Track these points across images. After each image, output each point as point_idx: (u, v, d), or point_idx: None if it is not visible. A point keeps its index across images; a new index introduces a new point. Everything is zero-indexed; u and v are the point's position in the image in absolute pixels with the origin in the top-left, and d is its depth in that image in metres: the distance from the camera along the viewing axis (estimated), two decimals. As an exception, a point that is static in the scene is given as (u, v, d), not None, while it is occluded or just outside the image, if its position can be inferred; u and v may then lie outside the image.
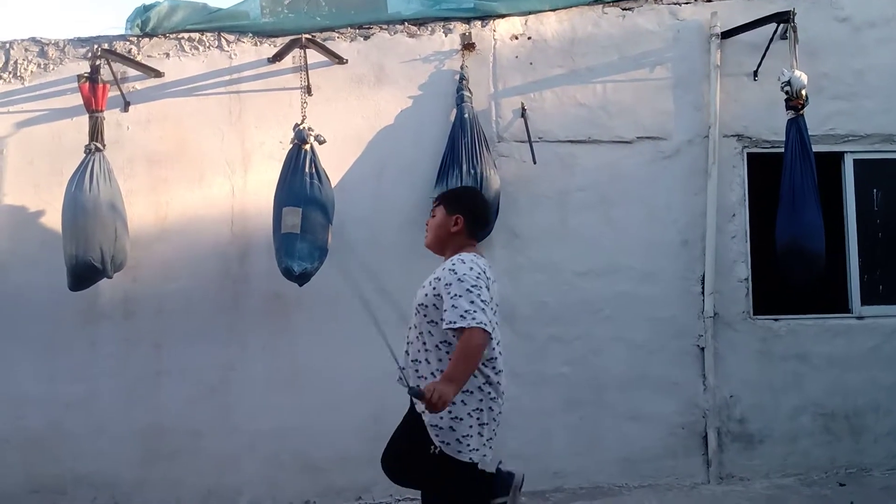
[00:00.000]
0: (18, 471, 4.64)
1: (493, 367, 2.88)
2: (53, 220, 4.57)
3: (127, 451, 4.66)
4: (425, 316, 2.89)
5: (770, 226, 4.77)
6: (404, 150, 4.89)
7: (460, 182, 4.58)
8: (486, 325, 2.67)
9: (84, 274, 4.29)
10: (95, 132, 4.41)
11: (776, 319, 5.09)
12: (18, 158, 4.77)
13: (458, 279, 2.76)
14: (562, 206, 4.98)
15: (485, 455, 2.89)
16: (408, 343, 3.01)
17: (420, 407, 2.81)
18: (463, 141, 4.65)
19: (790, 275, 4.64)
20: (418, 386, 2.68)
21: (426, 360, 2.89)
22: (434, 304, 2.85)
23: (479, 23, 5.02)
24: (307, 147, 4.36)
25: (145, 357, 4.72)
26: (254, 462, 4.71)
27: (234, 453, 4.71)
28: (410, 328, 3.00)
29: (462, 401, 2.79)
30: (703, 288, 4.98)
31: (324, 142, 4.46)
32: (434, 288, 2.87)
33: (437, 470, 2.87)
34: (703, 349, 4.96)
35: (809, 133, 4.63)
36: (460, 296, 2.71)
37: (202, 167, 4.84)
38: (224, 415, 4.72)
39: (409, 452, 2.98)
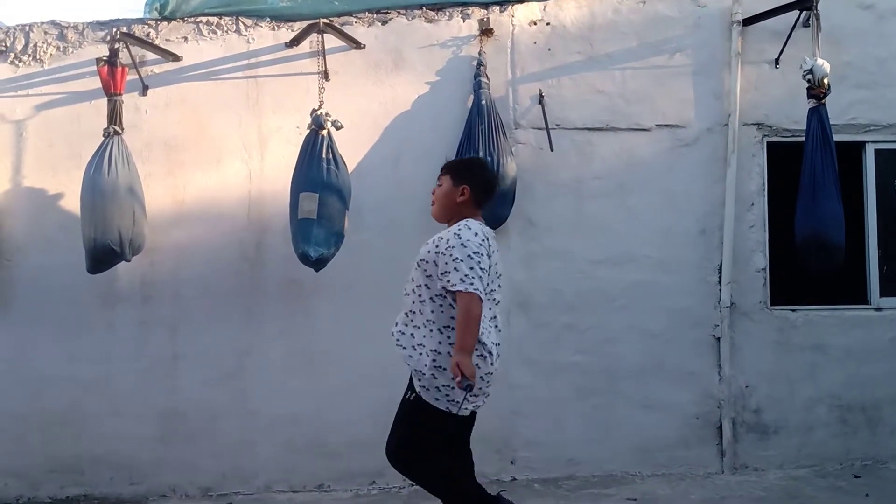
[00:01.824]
0: (38, 451, 4.70)
1: (484, 327, 2.99)
2: (72, 203, 4.60)
3: (144, 433, 4.71)
4: (425, 271, 3.05)
5: (789, 216, 4.73)
6: (421, 136, 4.88)
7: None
8: (480, 291, 2.86)
9: (102, 257, 4.32)
10: (114, 116, 4.43)
11: (794, 310, 5.06)
12: (38, 141, 4.80)
13: (462, 244, 2.92)
14: (578, 193, 4.95)
15: (466, 408, 3.02)
16: (405, 294, 3.16)
17: (406, 353, 3.04)
18: (480, 127, 4.63)
19: (809, 265, 4.61)
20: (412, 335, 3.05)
21: (420, 310, 3.06)
22: (434, 262, 3.00)
23: (497, 8, 4.98)
24: (324, 132, 4.36)
25: (162, 340, 4.75)
26: (269, 445, 4.75)
27: (250, 437, 4.74)
28: (410, 280, 3.15)
29: (448, 352, 2.94)
30: (720, 277, 4.95)
31: (341, 127, 4.45)
32: (437, 246, 3.02)
33: (410, 415, 3.06)
34: (719, 339, 4.93)
35: (831, 122, 4.58)
36: (462, 260, 2.88)
37: (219, 152, 4.85)
38: (240, 398, 4.75)
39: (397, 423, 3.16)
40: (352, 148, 4.68)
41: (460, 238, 2.94)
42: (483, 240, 2.98)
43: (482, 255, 2.92)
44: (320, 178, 4.27)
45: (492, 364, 3.05)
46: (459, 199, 3.13)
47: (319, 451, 4.75)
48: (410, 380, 3.12)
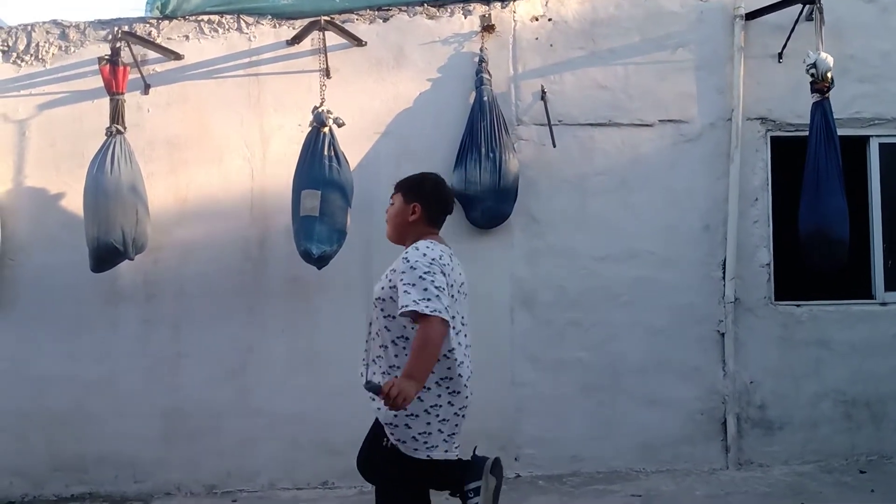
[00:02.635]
0: (41, 449, 4.71)
1: (455, 358, 2.77)
2: (75, 202, 4.61)
3: (148, 431, 4.72)
4: (382, 310, 2.81)
5: (793, 211, 4.71)
6: (423, 133, 4.87)
7: (479, 166, 4.57)
8: (441, 312, 2.58)
9: (105, 256, 4.33)
10: (116, 115, 4.44)
11: (798, 305, 5.04)
12: (40, 140, 4.80)
13: (411, 266, 2.67)
14: (581, 190, 4.94)
15: (446, 451, 2.81)
16: (368, 339, 2.92)
17: (375, 405, 2.75)
18: (482, 124, 4.63)
19: (813, 260, 4.59)
20: (379, 382, 2.61)
21: (383, 355, 2.81)
22: (391, 297, 2.75)
23: (498, 4, 4.97)
24: (326, 130, 4.36)
25: (166, 338, 4.76)
26: (273, 443, 4.75)
27: (253, 434, 4.75)
28: (370, 323, 2.91)
29: (419, 397, 2.65)
30: (724, 273, 4.93)
31: (342, 124, 4.45)
32: (390, 280, 2.78)
33: (389, 463, 2.81)
34: (723, 335, 4.92)
35: (834, 116, 4.57)
36: (413, 284, 2.63)
37: (222, 150, 4.85)
38: (243, 396, 4.76)
39: (370, 447, 2.95)
40: (354, 145, 4.68)
41: (408, 261, 2.69)
42: (433, 259, 2.71)
43: (435, 272, 2.66)
44: (322, 176, 4.27)
45: (465, 398, 2.85)
46: (411, 217, 2.90)
47: (323, 449, 4.75)
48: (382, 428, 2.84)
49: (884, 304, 5.10)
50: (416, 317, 2.61)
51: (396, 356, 2.77)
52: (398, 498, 2.86)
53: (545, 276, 4.90)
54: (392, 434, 2.76)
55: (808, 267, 4.66)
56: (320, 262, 4.29)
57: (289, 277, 4.75)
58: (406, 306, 2.59)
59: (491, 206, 4.68)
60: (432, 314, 2.56)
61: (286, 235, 4.52)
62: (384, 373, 2.79)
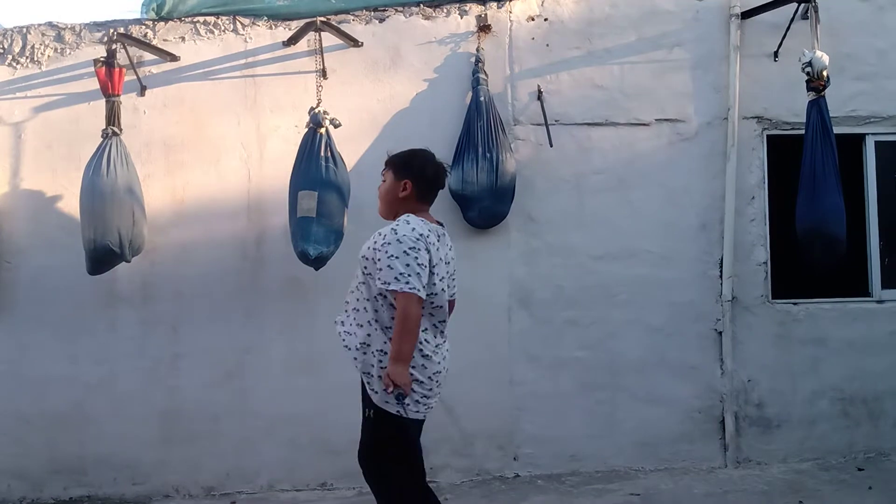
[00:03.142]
0: (40, 452, 4.70)
1: (423, 329, 2.89)
2: (71, 204, 4.60)
3: (146, 433, 4.71)
4: (365, 268, 2.92)
5: (790, 209, 4.71)
6: (420, 133, 4.85)
7: (476, 166, 4.58)
8: (418, 290, 2.73)
9: (102, 258, 4.32)
10: (112, 116, 4.42)
11: (795, 303, 5.05)
12: (36, 143, 4.79)
13: (398, 239, 2.78)
14: (578, 189, 4.95)
15: (417, 411, 2.91)
16: (349, 292, 3.05)
17: (353, 350, 2.93)
18: (479, 124, 4.63)
19: (810, 258, 4.59)
20: (358, 344, 2.90)
21: (364, 308, 2.94)
22: (373, 259, 2.87)
23: (494, 4, 4.97)
24: (322, 131, 4.36)
25: (164, 340, 4.75)
26: (271, 445, 4.75)
27: (252, 436, 4.74)
28: (354, 277, 3.04)
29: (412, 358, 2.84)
30: (721, 271, 4.94)
31: (339, 125, 4.45)
32: (375, 242, 2.89)
33: (374, 430, 2.95)
34: (720, 333, 4.93)
35: (830, 115, 4.56)
36: (397, 257, 2.75)
37: (218, 151, 4.84)
38: (242, 398, 4.75)
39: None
40: (350, 146, 4.67)
41: (396, 233, 2.79)
42: (420, 235, 2.81)
43: (419, 249, 2.76)
44: (319, 177, 4.26)
45: (437, 363, 2.95)
46: (402, 194, 2.98)
47: (322, 450, 4.75)
48: (364, 391, 2.99)
49: (881, 301, 5.11)
50: (394, 293, 2.76)
51: (376, 311, 2.90)
52: (385, 460, 2.96)
53: (543, 275, 4.90)
54: (369, 384, 2.91)
55: (805, 265, 4.67)
56: (318, 262, 4.29)
57: (286, 278, 4.75)
58: (387, 283, 2.76)
59: (488, 206, 4.68)
60: (410, 291, 2.72)
61: (283, 236, 4.52)
62: (360, 325, 2.94)
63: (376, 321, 2.89)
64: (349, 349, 2.96)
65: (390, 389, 2.74)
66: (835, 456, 4.96)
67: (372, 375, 2.88)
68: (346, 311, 3.05)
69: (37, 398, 4.70)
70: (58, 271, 4.68)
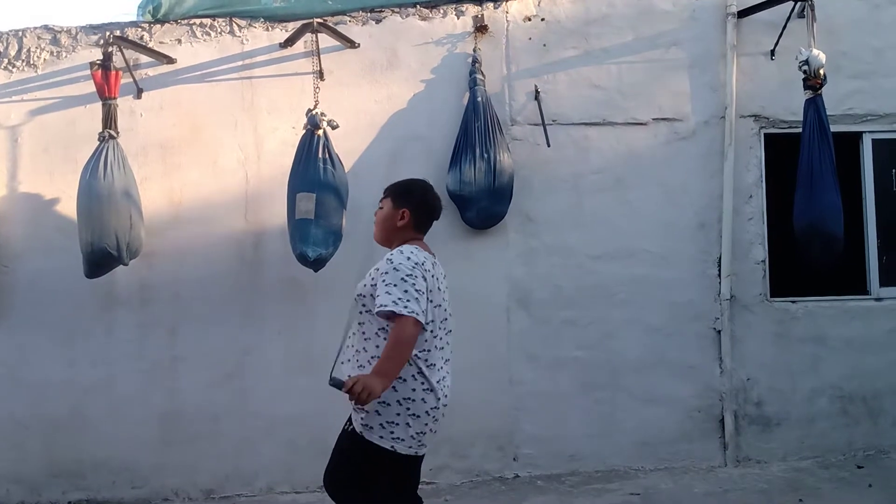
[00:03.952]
0: (39, 455, 4.69)
1: (426, 361, 2.82)
2: (68, 207, 4.59)
3: (145, 436, 4.70)
4: (363, 305, 2.88)
5: (787, 207, 4.72)
6: (418, 134, 4.87)
7: (474, 166, 4.58)
8: (418, 314, 2.67)
9: (100, 261, 4.31)
10: (109, 119, 4.42)
11: (793, 302, 5.05)
12: (33, 146, 4.79)
13: (394, 268, 2.76)
14: (576, 189, 4.95)
15: (410, 447, 2.80)
16: (349, 335, 2.98)
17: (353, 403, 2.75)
18: (476, 125, 4.63)
19: (808, 257, 4.60)
20: (341, 379, 2.67)
21: (364, 348, 2.87)
22: (371, 294, 2.82)
23: (491, 5, 4.98)
24: (320, 132, 4.35)
25: (162, 343, 4.74)
26: (271, 446, 4.74)
27: (251, 438, 4.74)
28: (353, 319, 2.96)
29: (393, 387, 2.72)
30: (719, 270, 4.94)
31: (336, 127, 4.44)
32: (373, 279, 2.85)
33: (356, 449, 2.83)
34: (719, 332, 4.93)
35: (827, 113, 4.58)
36: (395, 284, 2.71)
37: (216, 153, 4.84)
38: (240, 399, 4.74)
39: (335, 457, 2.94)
40: (348, 147, 4.67)
41: (392, 263, 2.79)
42: (417, 263, 2.80)
43: (416, 276, 2.75)
44: (317, 178, 4.26)
45: (438, 399, 2.85)
46: (399, 222, 2.99)
47: (321, 451, 4.65)
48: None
49: (879, 299, 5.11)
50: (391, 316, 2.69)
51: (377, 347, 2.81)
52: (352, 479, 2.86)
53: (541, 275, 4.90)
54: (361, 419, 2.79)
55: (804, 263, 4.67)
56: (316, 264, 4.29)
57: (285, 280, 4.74)
58: (384, 305, 2.68)
59: (486, 207, 4.68)
60: (409, 315, 2.65)
61: (281, 238, 4.52)
62: (361, 367, 2.83)
63: (377, 358, 2.78)
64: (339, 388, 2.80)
65: (350, 389, 2.56)
66: (834, 454, 4.96)
67: (367, 411, 2.77)
68: (347, 355, 2.96)
69: (35, 402, 4.69)
70: (55, 274, 4.67)
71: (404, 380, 2.77)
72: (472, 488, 4.65)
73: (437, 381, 2.86)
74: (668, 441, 4.91)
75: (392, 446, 2.77)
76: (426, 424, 2.82)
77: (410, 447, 2.80)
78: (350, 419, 2.90)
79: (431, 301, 2.83)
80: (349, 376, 2.71)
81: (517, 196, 4.78)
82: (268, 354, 4.77)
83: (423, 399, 2.80)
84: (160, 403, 4.72)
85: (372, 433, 2.77)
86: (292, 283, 4.72)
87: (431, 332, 2.84)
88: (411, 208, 3.01)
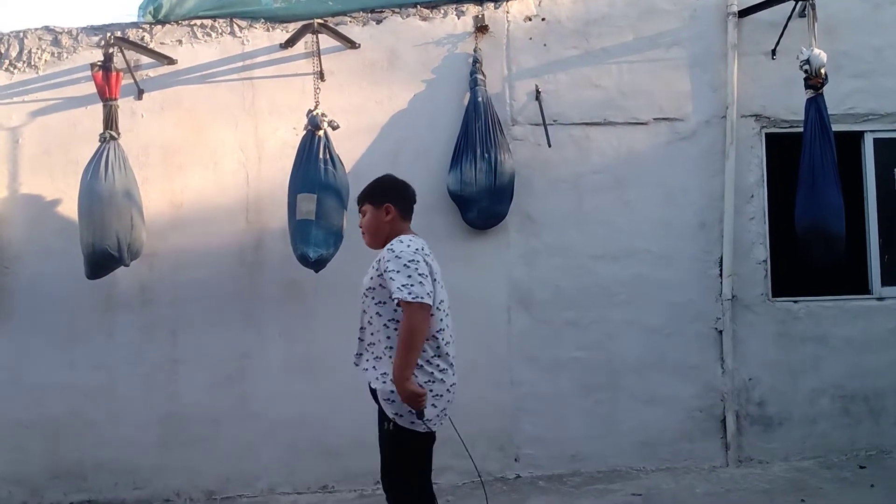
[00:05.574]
0: (40, 457, 4.69)
1: (442, 339, 2.98)
2: (70, 209, 4.59)
3: (146, 438, 4.70)
4: (373, 298, 3.02)
5: (789, 207, 4.72)
6: (418, 134, 4.87)
7: (475, 167, 4.58)
8: (423, 297, 2.80)
9: (101, 262, 4.31)
10: (110, 120, 4.42)
11: (795, 301, 5.05)
12: (34, 147, 4.79)
13: (396, 256, 2.90)
14: (577, 189, 4.94)
15: (435, 425, 3.00)
16: (360, 329, 3.13)
17: (373, 382, 2.99)
18: (477, 125, 4.63)
19: (810, 256, 4.59)
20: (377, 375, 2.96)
21: (378, 340, 3.02)
22: (380, 285, 2.97)
23: (491, 5, 4.97)
24: (321, 133, 4.35)
25: (162, 345, 4.74)
26: (272, 448, 4.74)
27: (252, 439, 4.73)
28: (362, 312, 3.12)
29: (413, 374, 2.87)
30: (720, 270, 4.94)
31: (337, 127, 4.44)
32: (377, 269, 3.00)
33: (394, 443, 3.00)
34: (721, 332, 4.92)
35: (829, 112, 4.57)
36: (398, 271, 2.85)
37: (216, 154, 4.84)
38: (241, 401, 4.74)
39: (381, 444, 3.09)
40: (349, 148, 4.67)
41: (393, 251, 2.92)
42: (416, 249, 2.94)
43: (418, 261, 2.89)
44: (318, 179, 4.26)
45: (453, 375, 3.04)
46: (387, 217, 3.12)
47: (322, 452, 4.74)
48: (380, 409, 3.04)
49: (881, 298, 5.11)
50: (400, 302, 2.83)
51: (389, 338, 2.97)
52: (405, 471, 3.04)
53: (542, 275, 4.89)
54: (391, 409, 2.94)
55: (805, 263, 4.67)
56: (317, 265, 4.28)
57: (285, 281, 4.74)
58: (393, 293, 2.84)
59: (487, 207, 4.68)
60: (414, 300, 2.78)
61: (282, 239, 4.51)
62: (377, 357, 3.01)
63: (393, 348, 2.94)
64: (365, 371, 3.07)
65: (413, 408, 2.82)
66: (836, 454, 4.95)
67: (394, 401, 2.92)
68: (364, 349, 3.13)
69: (36, 404, 4.69)
70: (56, 276, 4.67)
71: (421, 365, 2.92)
72: (474, 489, 4.63)
73: (453, 358, 3.04)
74: (670, 441, 4.90)
75: (426, 428, 2.94)
76: (448, 401, 3.02)
77: (435, 425, 3.00)
78: (381, 418, 3.03)
79: (437, 280, 2.99)
80: (370, 368, 3.00)
81: (518, 196, 4.78)
82: (268, 356, 4.76)
83: (442, 379, 2.98)
84: (161, 405, 4.72)
85: (404, 420, 2.93)
86: (293, 285, 4.72)
87: (439, 309, 2.99)
88: (392, 200, 3.14)
